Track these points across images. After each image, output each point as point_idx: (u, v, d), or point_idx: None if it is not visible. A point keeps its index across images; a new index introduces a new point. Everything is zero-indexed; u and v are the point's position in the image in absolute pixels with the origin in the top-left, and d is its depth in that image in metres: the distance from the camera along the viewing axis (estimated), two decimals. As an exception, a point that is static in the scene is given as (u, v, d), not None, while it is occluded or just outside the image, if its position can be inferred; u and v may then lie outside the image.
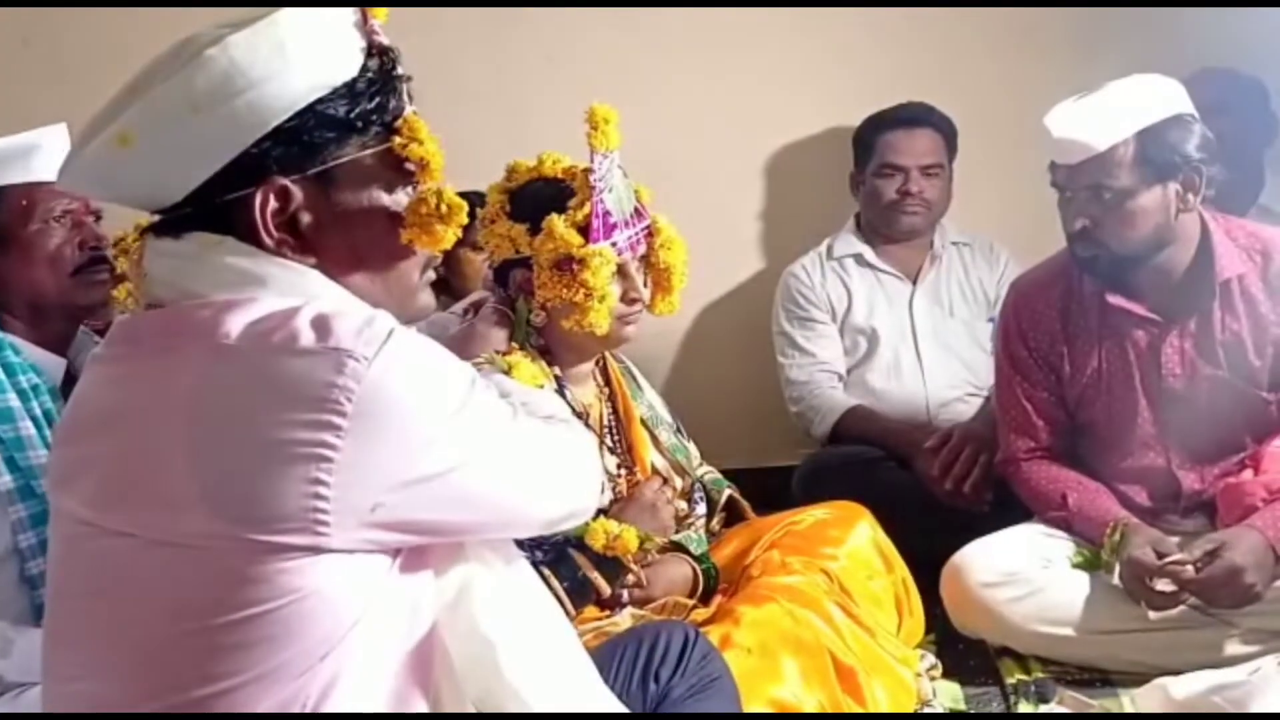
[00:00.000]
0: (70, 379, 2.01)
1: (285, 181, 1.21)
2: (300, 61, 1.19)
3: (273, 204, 1.21)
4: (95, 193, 1.26)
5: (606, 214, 2.02)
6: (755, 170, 3.41)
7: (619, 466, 2.19)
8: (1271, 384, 2.33)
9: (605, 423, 2.22)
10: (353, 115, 1.23)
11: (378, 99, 1.24)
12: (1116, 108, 2.23)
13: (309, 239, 1.23)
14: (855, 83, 3.27)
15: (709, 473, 2.43)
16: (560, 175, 2.11)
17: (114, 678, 1.17)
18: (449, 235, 1.28)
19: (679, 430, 2.40)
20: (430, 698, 1.23)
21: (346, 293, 1.25)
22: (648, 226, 2.13)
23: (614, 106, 2.05)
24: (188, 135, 1.18)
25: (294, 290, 1.20)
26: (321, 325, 1.13)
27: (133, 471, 1.15)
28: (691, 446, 2.42)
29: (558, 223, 2.00)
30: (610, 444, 2.20)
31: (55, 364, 1.99)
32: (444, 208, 1.26)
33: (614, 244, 2.04)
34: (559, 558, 1.97)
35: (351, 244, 1.26)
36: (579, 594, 1.95)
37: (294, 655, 1.13)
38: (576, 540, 1.97)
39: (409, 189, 1.29)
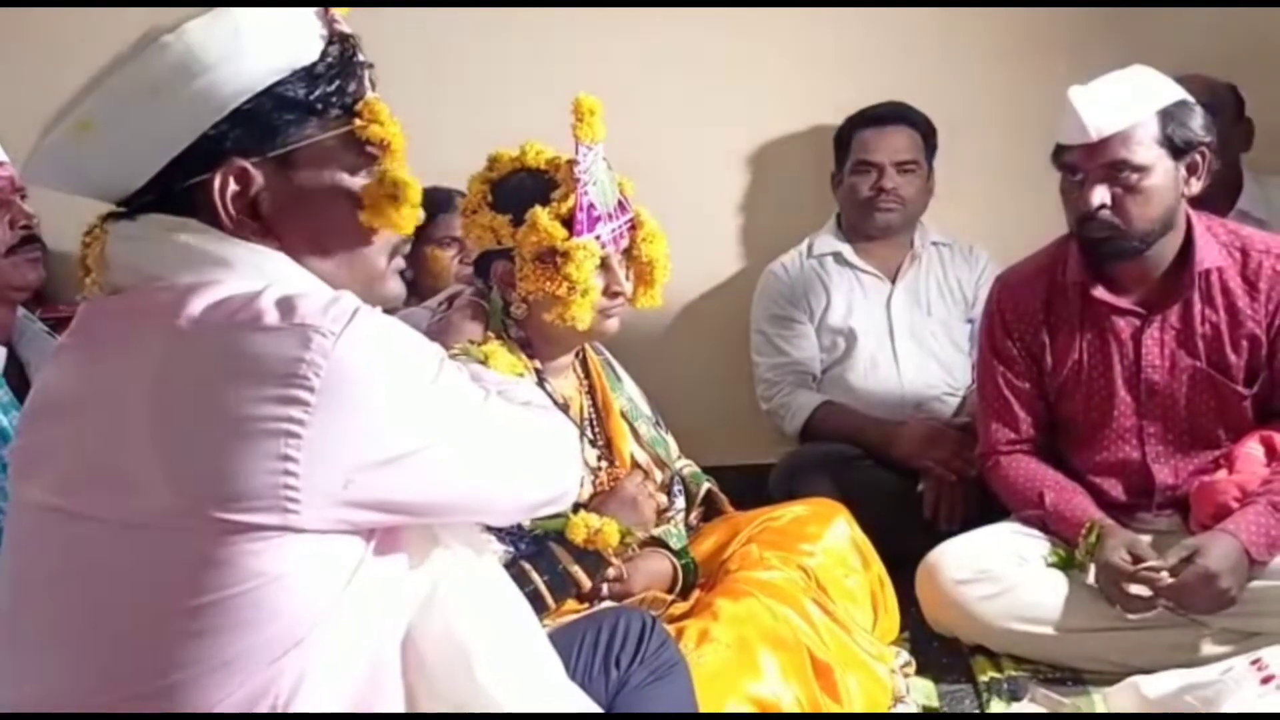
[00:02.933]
0: (15, 365, 1.96)
1: (245, 164, 1.21)
2: (257, 45, 1.20)
3: (233, 186, 1.21)
4: (58, 183, 1.23)
5: (591, 207, 2.01)
6: (739, 167, 3.41)
7: (599, 459, 2.18)
8: (1247, 379, 2.37)
9: (585, 415, 2.21)
10: (312, 98, 1.23)
11: (337, 82, 1.25)
12: (1137, 87, 2.27)
13: (270, 222, 1.24)
14: (840, 82, 3.27)
15: (687, 466, 2.43)
16: (543, 166, 2.08)
17: (69, 666, 1.16)
18: (406, 216, 1.28)
19: (658, 423, 2.40)
20: (406, 696, 1.23)
21: (311, 275, 1.24)
22: (630, 220, 2.12)
23: (599, 100, 2.04)
24: (147, 119, 1.18)
25: (259, 273, 1.19)
26: (286, 304, 1.13)
27: (97, 453, 1.14)
28: (670, 439, 2.41)
29: (542, 215, 1.98)
30: (590, 436, 2.19)
31: None
32: (393, 187, 1.27)
33: (598, 237, 2.02)
34: (539, 551, 1.96)
35: (314, 227, 1.26)
36: (559, 587, 1.94)
37: (260, 643, 1.12)
38: (557, 534, 1.96)
39: (371, 172, 1.28)
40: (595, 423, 2.23)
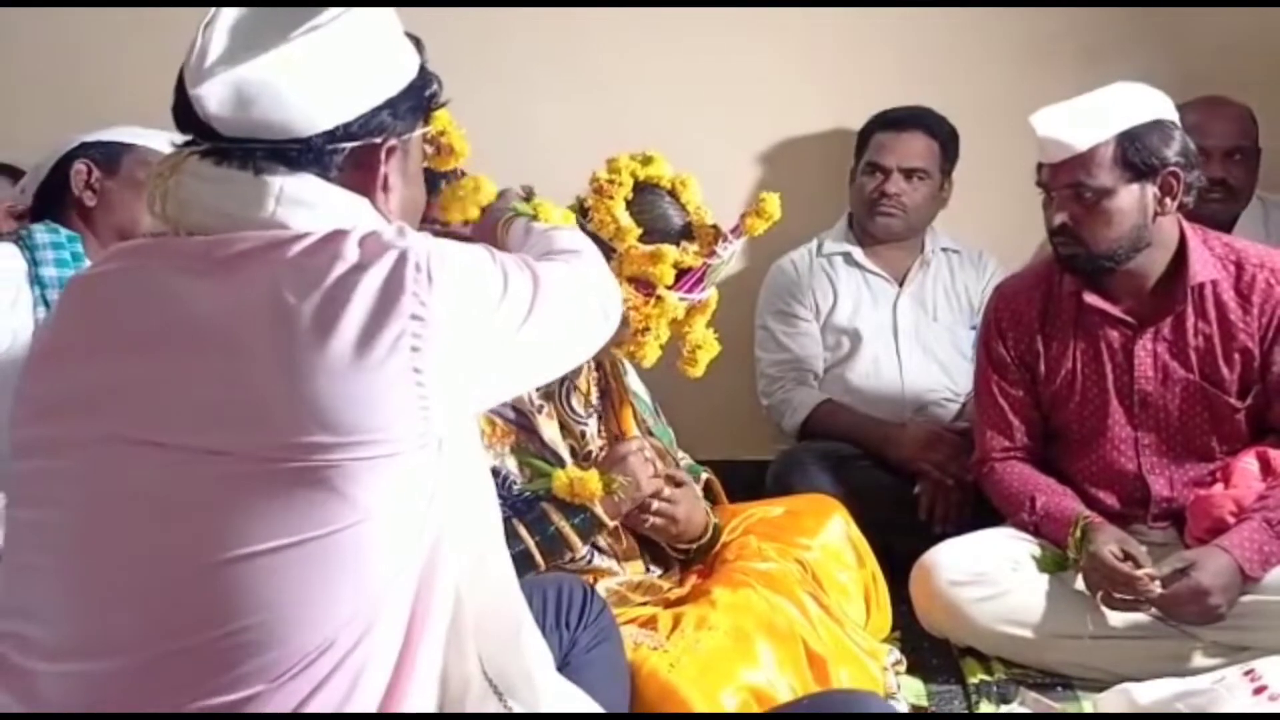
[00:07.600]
0: None
1: (397, 141, 1.33)
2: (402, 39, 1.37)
3: (388, 159, 1.33)
4: (227, 111, 1.23)
5: (700, 280, 2.05)
6: (751, 165, 3.41)
7: (600, 435, 2.19)
8: (1240, 393, 2.39)
9: (591, 395, 2.21)
10: (425, 95, 1.39)
11: (432, 87, 1.41)
12: (1099, 110, 2.31)
13: (391, 197, 1.37)
14: (857, 84, 3.28)
15: (683, 459, 2.44)
16: (692, 210, 2.10)
17: (169, 603, 1.17)
18: (473, 211, 1.61)
19: (658, 416, 2.40)
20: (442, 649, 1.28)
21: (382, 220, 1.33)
22: (705, 299, 2.12)
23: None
24: (347, 74, 1.27)
25: (345, 218, 1.26)
26: (373, 238, 1.22)
27: (212, 389, 1.17)
28: (669, 432, 2.41)
29: (671, 253, 2.00)
30: (596, 409, 2.20)
31: None
32: (467, 185, 1.62)
33: (683, 300, 2.04)
34: (529, 510, 1.99)
35: (400, 209, 1.38)
36: (550, 549, 1.97)
37: (367, 575, 1.18)
38: (547, 493, 1.99)
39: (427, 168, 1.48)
40: (601, 404, 2.23)
